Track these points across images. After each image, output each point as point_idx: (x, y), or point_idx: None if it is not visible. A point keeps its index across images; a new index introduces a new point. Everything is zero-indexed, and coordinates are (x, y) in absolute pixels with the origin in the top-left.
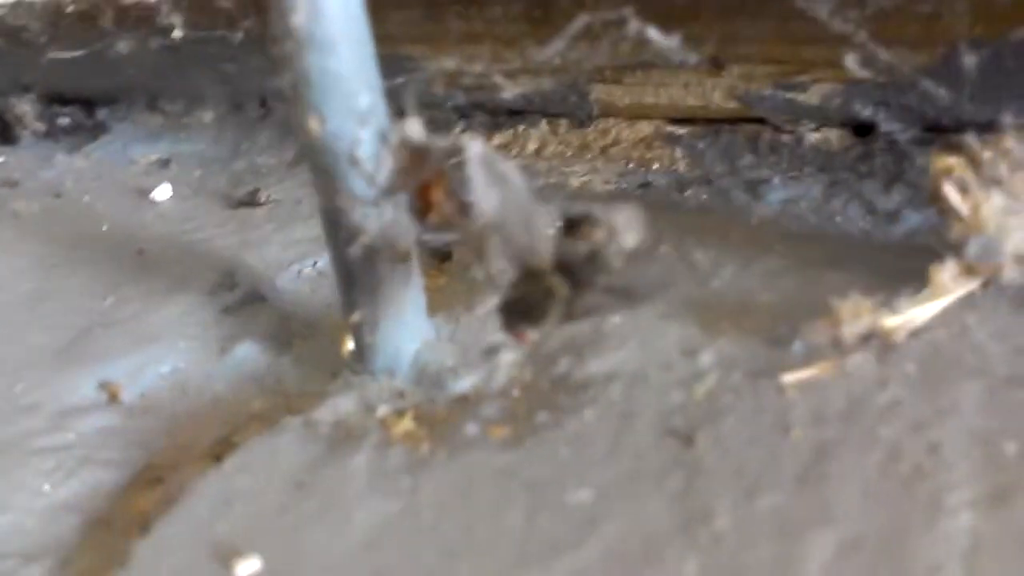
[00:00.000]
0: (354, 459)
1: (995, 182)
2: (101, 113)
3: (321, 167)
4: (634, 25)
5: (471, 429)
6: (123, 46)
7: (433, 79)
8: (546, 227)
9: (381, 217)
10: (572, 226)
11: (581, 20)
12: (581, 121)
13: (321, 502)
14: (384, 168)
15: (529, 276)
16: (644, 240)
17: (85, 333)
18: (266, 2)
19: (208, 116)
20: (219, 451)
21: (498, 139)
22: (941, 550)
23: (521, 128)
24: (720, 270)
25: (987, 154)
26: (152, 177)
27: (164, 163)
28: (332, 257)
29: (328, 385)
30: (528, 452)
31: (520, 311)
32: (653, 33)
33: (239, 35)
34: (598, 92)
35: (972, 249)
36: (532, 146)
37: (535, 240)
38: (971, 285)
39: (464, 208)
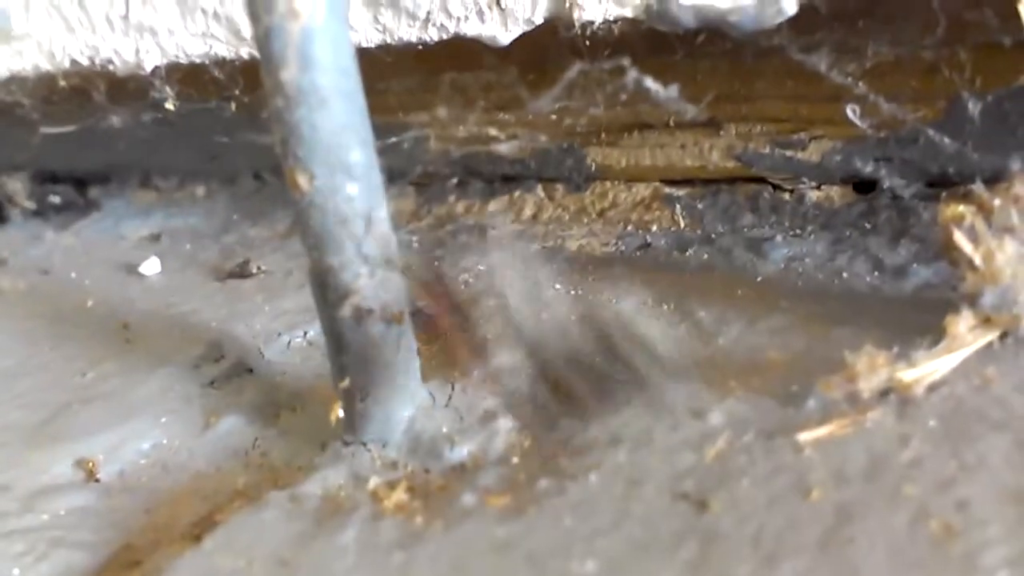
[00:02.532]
0: (343, 534)
1: (1007, 230)
2: (93, 191)
3: (310, 225)
4: (632, 75)
5: (468, 499)
6: (116, 120)
7: (429, 146)
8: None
9: (372, 277)
10: None
11: (576, 68)
12: (578, 185)
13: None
14: (376, 227)
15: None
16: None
17: (63, 409)
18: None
19: (200, 190)
20: (200, 530)
21: (494, 205)
22: None
23: (517, 193)
24: (725, 328)
25: (997, 201)
26: (142, 252)
27: (155, 238)
28: (322, 320)
29: (316, 457)
30: (529, 522)
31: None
32: (650, 83)
33: (231, 107)
34: (594, 155)
35: (988, 299)
36: (529, 211)
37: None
38: (989, 336)
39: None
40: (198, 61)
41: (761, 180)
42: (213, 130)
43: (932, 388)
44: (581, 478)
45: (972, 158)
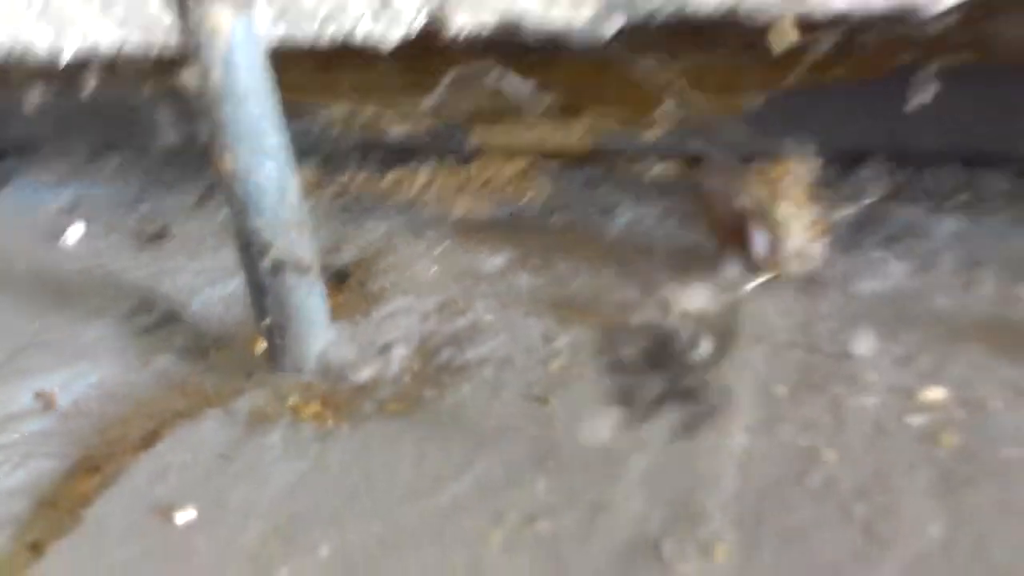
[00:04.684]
0: (270, 435)
1: (779, 193)
2: (5, 164)
3: (236, 197)
4: (496, 74)
5: (369, 407)
6: (32, 98)
7: (330, 124)
8: None
9: (287, 237)
10: None
11: (452, 73)
12: (464, 159)
13: (243, 467)
14: (288, 197)
15: None
16: None
17: (19, 352)
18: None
19: (113, 161)
20: (149, 441)
21: (391, 176)
22: (723, 461)
23: (411, 167)
24: (577, 276)
25: (774, 173)
26: (62, 221)
27: (73, 208)
28: (246, 272)
29: (243, 384)
30: (416, 420)
31: None
32: (512, 80)
33: (146, 91)
34: (477, 134)
35: (760, 245)
36: (421, 181)
37: None
38: (764, 277)
39: None
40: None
41: (613, 157)
42: (127, 104)
43: (716, 314)
44: (456, 388)
45: (764, 141)
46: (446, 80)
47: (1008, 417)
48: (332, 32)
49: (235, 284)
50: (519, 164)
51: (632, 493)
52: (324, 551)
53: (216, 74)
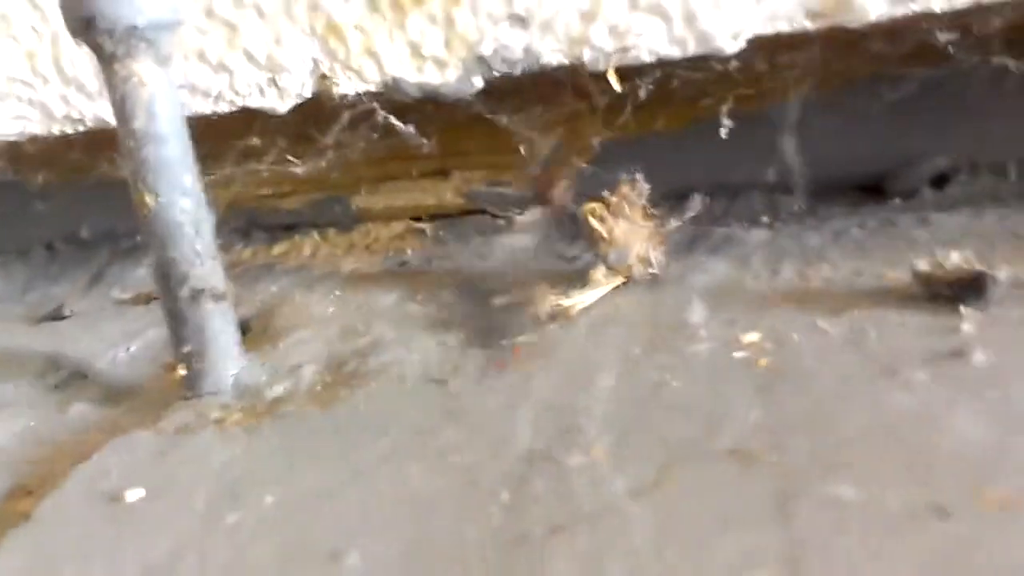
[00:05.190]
0: (200, 436)
1: (620, 215)
2: None
3: (155, 232)
4: (380, 116)
5: (288, 409)
6: None
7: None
8: None
9: (203, 267)
10: None
11: (346, 116)
12: (346, 227)
13: (182, 457)
14: (203, 230)
15: None
16: None
17: None
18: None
19: None
20: (80, 461)
21: (277, 249)
22: (594, 398)
23: (296, 238)
24: (461, 303)
25: (614, 199)
26: None
27: None
28: (164, 303)
29: (165, 412)
30: (334, 411)
31: None
32: (395, 121)
33: (37, 178)
34: (357, 202)
35: (612, 258)
36: (307, 251)
37: None
38: (616, 282)
39: None
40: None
41: (483, 211)
42: (5, 203)
43: (584, 311)
44: (366, 386)
45: (607, 177)
46: (337, 127)
47: (803, 345)
48: (225, 107)
49: (136, 346)
50: (398, 226)
51: (525, 427)
52: (268, 500)
53: (139, 121)
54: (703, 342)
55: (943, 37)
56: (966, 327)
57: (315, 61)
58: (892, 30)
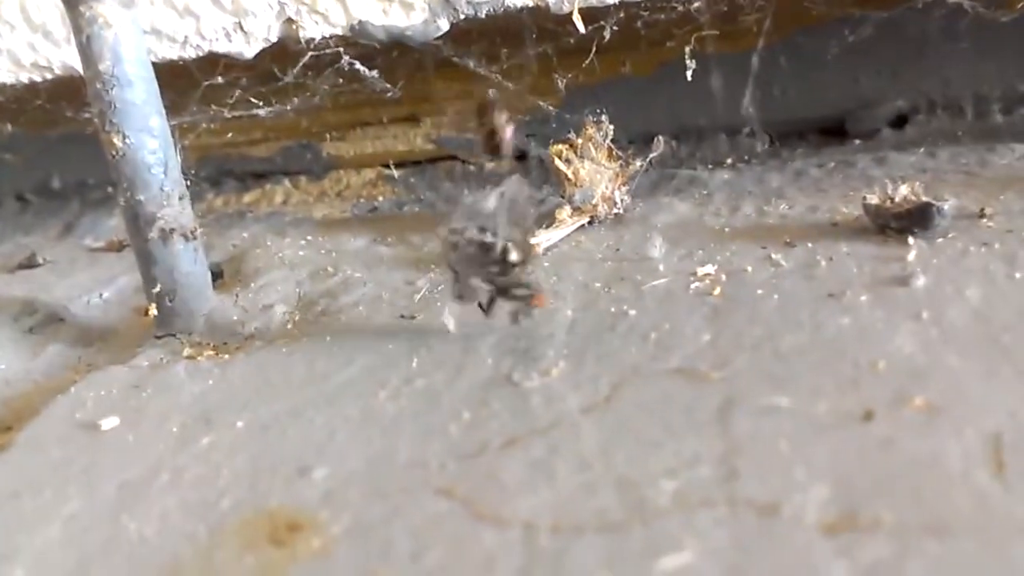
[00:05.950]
0: (173, 370)
1: (585, 156)
2: None
3: (124, 173)
4: (346, 61)
5: (260, 344)
6: None
7: (187, 153)
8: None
9: (172, 207)
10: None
11: (307, 57)
12: (317, 175)
13: (154, 390)
14: (171, 171)
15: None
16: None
17: None
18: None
19: None
20: (58, 392)
21: (248, 197)
22: (555, 326)
23: (268, 187)
24: (427, 245)
25: (579, 140)
26: None
27: None
28: (134, 244)
29: (138, 350)
30: (303, 346)
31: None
32: (360, 67)
33: (6, 131)
34: (328, 149)
35: (577, 198)
36: (279, 199)
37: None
38: (582, 220)
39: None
40: None
41: (453, 157)
42: None
43: (548, 249)
44: (336, 322)
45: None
46: (299, 68)
47: (756, 276)
48: (192, 52)
49: (109, 291)
50: (368, 173)
51: (487, 355)
52: (240, 424)
53: (106, 63)
54: (661, 275)
55: None
56: (911, 256)
57: (281, 4)
58: None
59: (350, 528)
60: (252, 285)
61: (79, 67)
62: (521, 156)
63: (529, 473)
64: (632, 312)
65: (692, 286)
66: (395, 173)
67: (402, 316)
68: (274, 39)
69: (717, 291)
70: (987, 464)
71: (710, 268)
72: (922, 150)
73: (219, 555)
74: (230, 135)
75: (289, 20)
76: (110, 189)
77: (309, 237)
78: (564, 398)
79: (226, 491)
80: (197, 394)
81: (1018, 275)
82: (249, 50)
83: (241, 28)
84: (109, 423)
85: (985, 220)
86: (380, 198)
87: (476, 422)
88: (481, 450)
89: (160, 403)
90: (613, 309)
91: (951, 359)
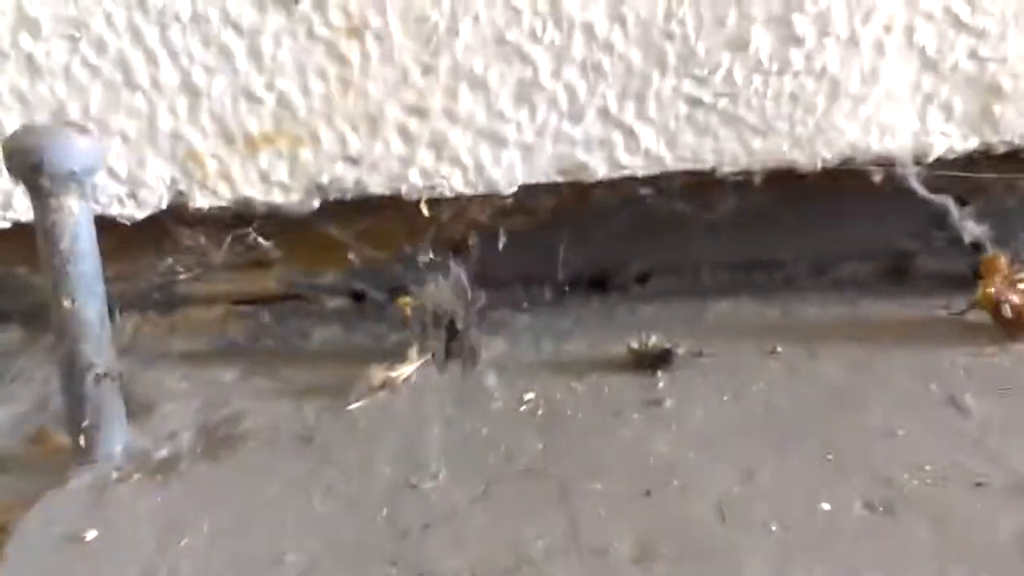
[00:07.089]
0: (117, 490)
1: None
2: None
3: (70, 330)
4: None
5: (181, 467)
6: None
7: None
8: None
9: (105, 355)
10: None
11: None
12: (165, 311)
13: (112, 507)
14: (105, 326)
15: None
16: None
17: None
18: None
19: None
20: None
21: None
22: (428, 445)
23: (118, 320)
24: (298, 376)
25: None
26: None
27: None
28: (67, 388)
29: (63, 478)
30: (223, 464)
31: None
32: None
33: None
34: (181, 288)
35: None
36: (129, 332)
37: None
38: (426, 357)
39: None
40: None
41: (299, 296)
42: None
43: (404, 380)
44: (244, 445)
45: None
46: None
47: (564, 399)
48: None
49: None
50: (218, 310)
51: (385, 466)
52: (206, 528)
53: (66, 242)
54: (498, 400)
55: (642, 191)
56: (661, 384)
57: (173, 180)
58: (612, 183)
59: None
60: (151, 417)
61: None
62: (360, 296)
63: (448, 546)
64: (484, 430)
65: (522, 408)
66: (248, 309)
67: (302, 437)
68: (164, 207)
69: (540, 411)
70: (716, 514)
71: (531, 394)
72: (660, 302)
73: None
74: None
75: (180, 193)
76: None
77: (180, 368)
78: (454, 494)
79: None
80: (153, 507)
81: (725, 397)
82: (140, 214)
83: (134, 196)
84: (91, 535)
85: (703, 358)
86: (232, 332)
87: (394, 515)
88: (406, 533)
89: (123, 517)
90: (468, 427)
91: (690, 454)
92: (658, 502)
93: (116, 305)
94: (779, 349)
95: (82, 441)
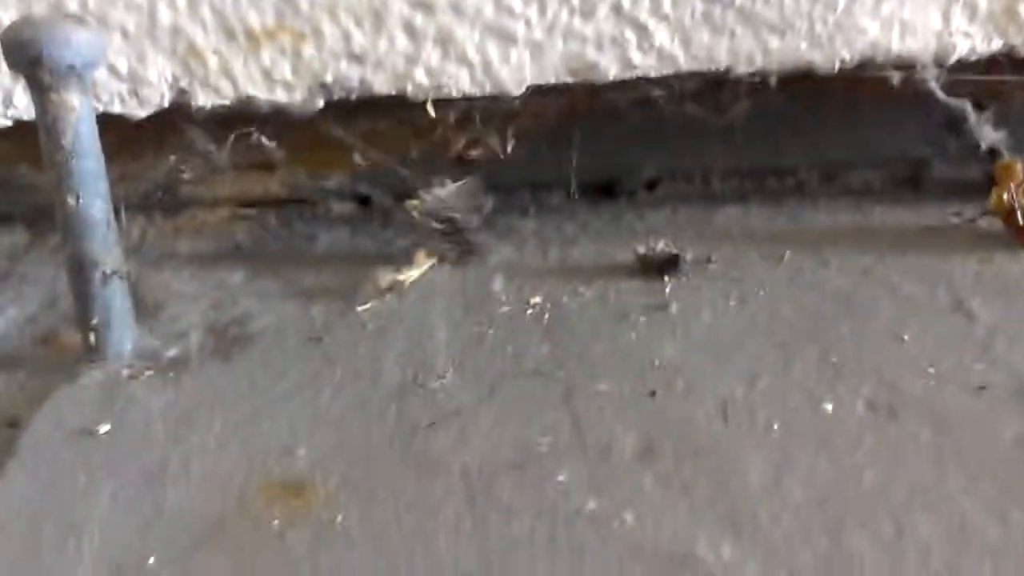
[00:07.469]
0: (127, 386)
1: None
2: None
3: (75, 228)
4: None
5: (191, 365)
6: None
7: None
8: None
9: (112, 253)
10: None
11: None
12: (171, 213)
13: (122, 404)
14: (111, 225)
15: None
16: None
17: None
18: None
19: None
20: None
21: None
22: (434, 348)
23: (123, 222)
24: (305, 278)
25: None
26: None
27: None
28: (75, 287)
29: (74, 374)
30: (233, 363)
31: None
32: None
33: None
34: (186, 190)
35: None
36: (136, 234)
37: None
38: (433, 260)
39: None
40: None
41: (304, 200)
42: None
43: (411, 284)
44: (253, 345)
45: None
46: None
47: (570, 303)
48: None
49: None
50: (223, 212)
51: (393, 367)
52: (217, 424)
53: (68, 138)
54: (504, 304)
55: (655, 92)
56: (667, 290)
57: (175, 77)
58: (623, 84)
59: (340, 484)
60: (160, 317)
61: None
62: (366, 199)
63: (455, 443)
64: (491, 332)
65: (528, 312)
66: (251, 212)
67: (311, 338)
68: (166, 105)
69: (546, 315)
70: (719, 414)
71: (538, 298)
72: (668, 208)
73: (253, 507)
74: None
75: (182, 91)
76: None
77: (187, 268)
78: (460, 394)
79: (233, 470)
80: (164, 404)
81: (732, 303)
82: (141, 112)
83: (136, 94)
84: (103, 428)
85: (711, 265)
86: (238, 234)
87: (402, 413)
88: (414, 429)
89: (134, 412)
90: (475, 331)
91: (695, 357)
92: (662, 403)
93: (120, 206)
94: (788, 256)
95: (92, 340)
